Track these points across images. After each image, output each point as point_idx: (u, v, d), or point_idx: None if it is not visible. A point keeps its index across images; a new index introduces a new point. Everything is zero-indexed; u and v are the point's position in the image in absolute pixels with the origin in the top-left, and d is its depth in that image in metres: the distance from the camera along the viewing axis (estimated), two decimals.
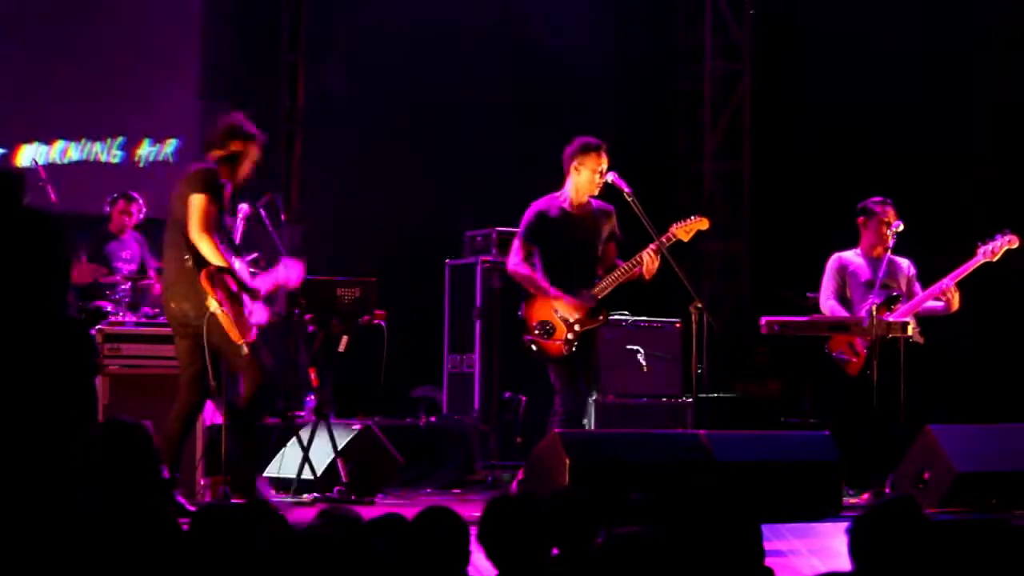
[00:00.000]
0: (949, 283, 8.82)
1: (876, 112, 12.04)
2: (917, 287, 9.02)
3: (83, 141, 11.60)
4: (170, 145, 11.95)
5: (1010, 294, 11.19)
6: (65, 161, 11.41)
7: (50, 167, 10.38)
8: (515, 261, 8.29)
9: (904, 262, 9.09)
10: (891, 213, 8.99)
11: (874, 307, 8.57)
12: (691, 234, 8.25)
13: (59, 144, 11.47)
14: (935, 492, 8.05)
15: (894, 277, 9.00)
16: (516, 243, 8.31)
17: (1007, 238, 8.81)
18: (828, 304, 9.08)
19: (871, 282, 8.94)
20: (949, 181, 11.52)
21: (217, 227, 7.44)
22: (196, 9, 11.76)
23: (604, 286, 8.22)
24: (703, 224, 8.26)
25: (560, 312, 8.17)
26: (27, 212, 4.82)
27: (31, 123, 11.20)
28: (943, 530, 4.30)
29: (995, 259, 8.81)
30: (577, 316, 8.15)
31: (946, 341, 9.35)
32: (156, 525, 4.45)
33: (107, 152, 11.72)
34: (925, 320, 8.97)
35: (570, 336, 8.18)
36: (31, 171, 9.67)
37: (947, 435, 8.26)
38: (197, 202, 7.37)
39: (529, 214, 8.28)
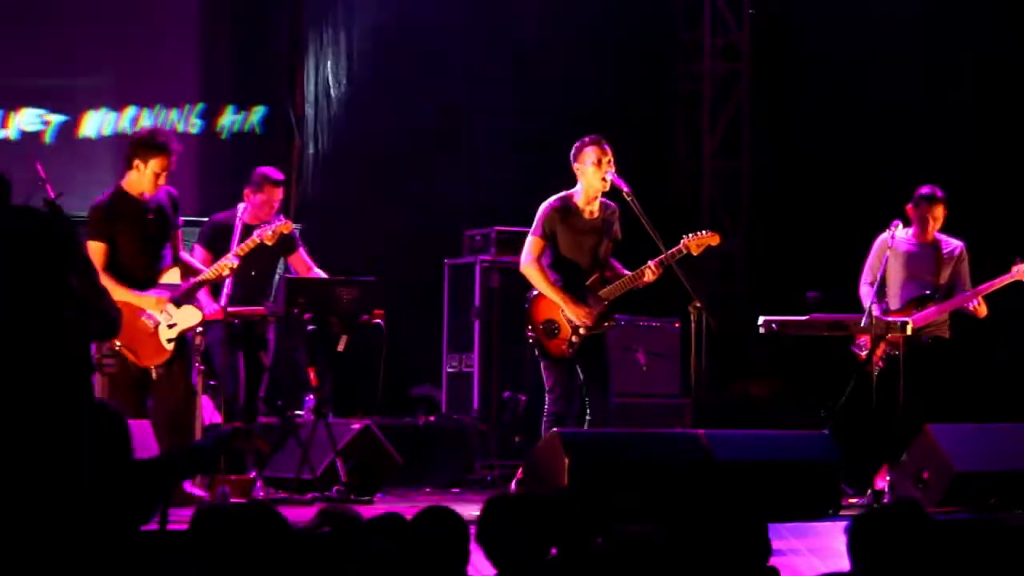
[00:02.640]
0: (976, 297, 8.83)
1: (876, 112, 12.03)
2: (964, 274, 8.97)
3: (157, 108, 11.25)
4: (257, 113, 11.68)
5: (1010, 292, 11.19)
6: (137, 130, 11.14)
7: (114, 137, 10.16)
8: (527, 259, 8.31)
9: (953, 247, 9.05)
10: (930, 197, 8.97)
11: (873, 306, 8.57)
12: (702, 248, 8.28)
13: (130, 111, 11.23)
14: (934, 492, 8.06)
15: (938, 264, 8.98)
16: (529, 240, 8.32)
17: None
18: (863, 289, 9.05)
19: (913, 274, 8.93)
20: (950, 182, 11.50)
21: (128, 256, 7.85)
22: (194, 9, 11.75)
23: (608, 292, 8.24)
24: (714, 239, 8.29)
25: (567, 315, 8.19)
26: (19, 210, 4.81)
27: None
28: (942, 530, 4.30)
29: None
30: (585, 322, 8.17)
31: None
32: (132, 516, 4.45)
33: (184, 120, 11.42)
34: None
35: (574, 338, 8.19)
36: (30, 170, 9.65)
37: (947, 435, 8.26)
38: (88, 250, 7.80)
39: (542, 211, 8.29)
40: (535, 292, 8.29)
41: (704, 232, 8.33)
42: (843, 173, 11.92)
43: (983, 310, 8.85)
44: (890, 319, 8.64)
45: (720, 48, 13.12)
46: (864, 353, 8.87)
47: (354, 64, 12.09)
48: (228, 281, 8.35)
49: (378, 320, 8.91)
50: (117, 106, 11.07)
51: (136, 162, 7.94)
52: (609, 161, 8.22)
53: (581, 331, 8.19)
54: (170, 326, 7.97)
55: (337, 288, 8.74)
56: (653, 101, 13.10)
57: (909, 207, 9.06)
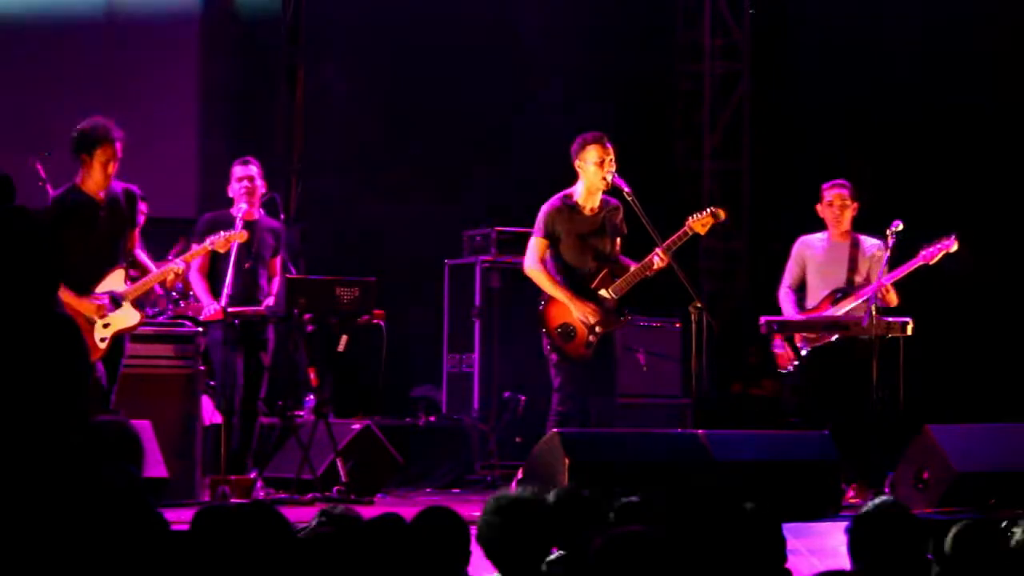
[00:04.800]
0: (886, 282, 8.82)
1: (876, 112, 12.03)
2: (881, 272, 8.98)
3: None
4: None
5: (1011, 292, 11.20)
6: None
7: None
8: (531, 261, 8.30)
9: (871, 245, 9.08)
10: (835, 195, 9.03)
11: (874, 308, 8.58)
12: (707, 227, 8.27)
13: None
14: (935, 492, 8.05)
15: (855, 261, 9.03)
16: (532, 242, 8.32)
17: (946, 243, 8.78)
18: (782, 291, 9.12)
19: (828, 273, 8.99)
20: (950, 182, 11.51)
21: (77, 253, 7.80)
22: (194, 9, 11.75)
23: (619, 286, 8.23)
24: (719, 216, 8.27)
25: (577, 315, 8.17)
26: (11, 210, 4.80)
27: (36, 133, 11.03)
28: (940, 529, 4.31)
29: (932, 262, 8.79)
30: (594, 319, 8.16)
31: (944, 339, 9.34)
32: (144, 524, 4.44)
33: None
34: (925, 316, 8.96)
35: (591, 339, 8.18)
36: (31, 170, 9.65)
37: (947, 435, 8.25)
38: None
39: (543, 212, 8.29)
40: (546, 297, 8.27)
41: (706, 210, 8.32)
42: (843, 173, 11.90)
43: (893, 300, 8.85)
44: (889, 319, 8.65)
45: (720, 48, 13.11)
46: (783, 353, 8.95)
47: (354, 63, 12.08)
48: (228, 281, 8.35)
49: (378, 320, 8.92)
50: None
51: (82, 156, 7.96)
52: (611, 160, 8.21)
53: (597, 330, 8.18)
54: (105, 325, 7.96)
55: (337, 288, 8.74)
56: (653, 101, 13.10)
57: (818, 206, 9.13)
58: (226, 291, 8.35)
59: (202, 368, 8.63)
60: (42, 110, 10.97)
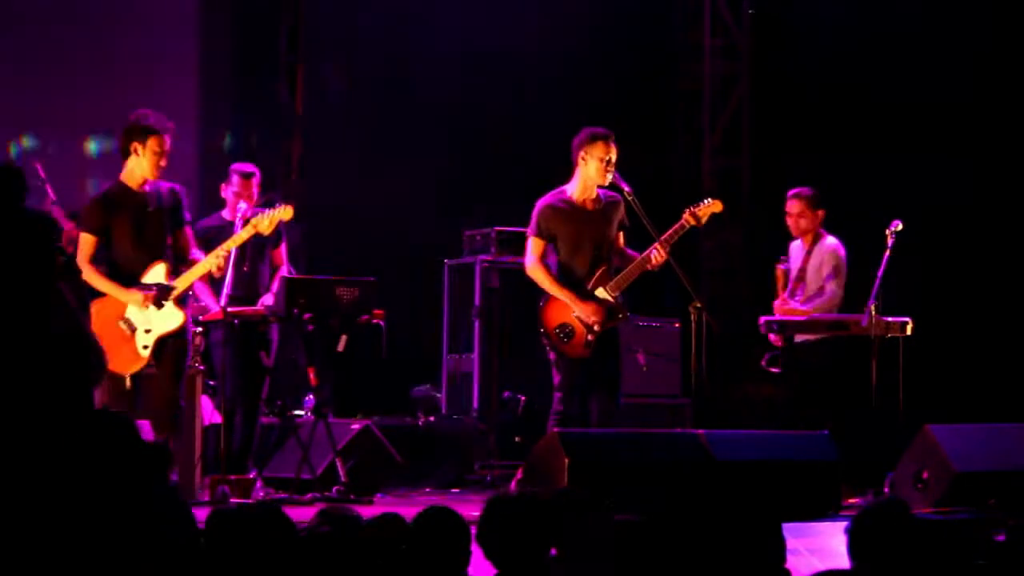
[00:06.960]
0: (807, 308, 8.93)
1: (876, 112, 12.03)
2: (828, 277, 9.05)
3: None
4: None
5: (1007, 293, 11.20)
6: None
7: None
8: (531, 261, 8.26)
9: (827, 247, 9.16)
10: (790, 204, 9.19)
11: (873, 307, 8.59)
12: (706, 218, 8.24)
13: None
14: (934, 492, 8.05)
15: (803, 270, 9.16)
16: (529, 242, 8.29)
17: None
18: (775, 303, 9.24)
19: (799, 274, 9.13)
20: (950, 181, 11.51)
21: (121, 250, 7.79)
22: (194, 9, 11.75)
23: (618, 282, 8.20)
24: (717, 207, 8.24)
25: (577, 314, 8.15)
26: (25, 213, 4.80)
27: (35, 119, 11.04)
28: (940, 530, 4.31)
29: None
30: (595, 319, 8.14)
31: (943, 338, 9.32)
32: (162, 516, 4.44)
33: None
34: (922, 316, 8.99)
35: (589, 338, 8.16)
36: (30, 170, 9.66)
37: (946, 435, 8.25)
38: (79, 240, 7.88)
39: (537, 210, 8.26)
40: (545, 297, 8.25)
41: (705, 201, 8.28)
42: (843, 173, 11.91)
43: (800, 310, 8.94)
44: (889, 319, 8.67)
45: (720, 48, 13.11)
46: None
47: (354, 64, 12.09)
48: (228, 281, 8.33)
49: (378, 320, 8.92)
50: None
51: (134, 146, 7.84)
52: (613, 160, 8.18)
53: (595, 329, 8.16)
54: (147, 331, 7.87)
55: (337, 288, 8.74)
56: (653, 101, 13.11)
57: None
58: (226, 291, 8.34)
59: (202, 368, 8.62)
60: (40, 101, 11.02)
